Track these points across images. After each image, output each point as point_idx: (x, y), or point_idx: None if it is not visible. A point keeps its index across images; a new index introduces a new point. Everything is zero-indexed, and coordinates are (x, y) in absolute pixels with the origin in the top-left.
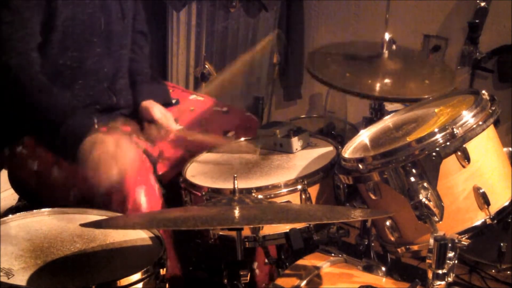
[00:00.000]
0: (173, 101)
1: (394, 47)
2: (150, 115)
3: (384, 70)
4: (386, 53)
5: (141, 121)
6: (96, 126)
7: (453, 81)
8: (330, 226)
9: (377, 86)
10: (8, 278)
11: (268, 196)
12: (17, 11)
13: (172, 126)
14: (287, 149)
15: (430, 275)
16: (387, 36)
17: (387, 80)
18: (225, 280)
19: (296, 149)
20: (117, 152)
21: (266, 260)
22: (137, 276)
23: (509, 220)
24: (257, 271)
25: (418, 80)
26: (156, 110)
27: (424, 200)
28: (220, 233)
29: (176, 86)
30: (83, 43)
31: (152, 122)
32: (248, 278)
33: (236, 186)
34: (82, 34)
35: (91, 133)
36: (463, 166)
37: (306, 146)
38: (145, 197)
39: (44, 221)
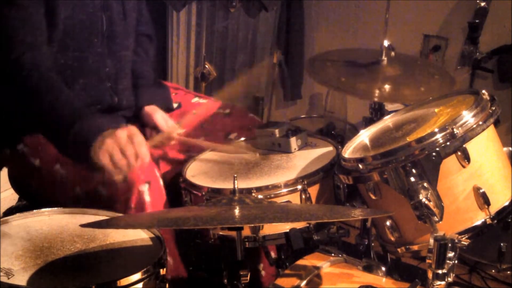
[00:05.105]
0: (175, 105)
1: (393, 54)
2: (152, 122)
3: (383, 76)
4: (384, 59)
5: (143, 126)
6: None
7: (452, 88)
8: (330, 226)
9: (375, 92)
10: (8, 278)
11: (268, 196)
12: (21, 6)
13: (174, 132)
14: (285, 149)
15: (430, 275)
16: (386, 43)
17: (385, 86)
18: (225, 280)
19: (295, 149)
20: (128, 143)
21: None
22: (137, 276)
23: (509, 220)
24: (263, 272)
25: (415, 87)
26: (158, 116)
27: (424, 200)
28: (220, 233)
29: (179, 87)
30: (84, 43)
31: (155, 128)
32: (248, 278)
33: (236, 186)
34: (82, 33)
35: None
36: (463, 166)
37: (304, 145)
38: (150, 193)
39: (44, 221)
